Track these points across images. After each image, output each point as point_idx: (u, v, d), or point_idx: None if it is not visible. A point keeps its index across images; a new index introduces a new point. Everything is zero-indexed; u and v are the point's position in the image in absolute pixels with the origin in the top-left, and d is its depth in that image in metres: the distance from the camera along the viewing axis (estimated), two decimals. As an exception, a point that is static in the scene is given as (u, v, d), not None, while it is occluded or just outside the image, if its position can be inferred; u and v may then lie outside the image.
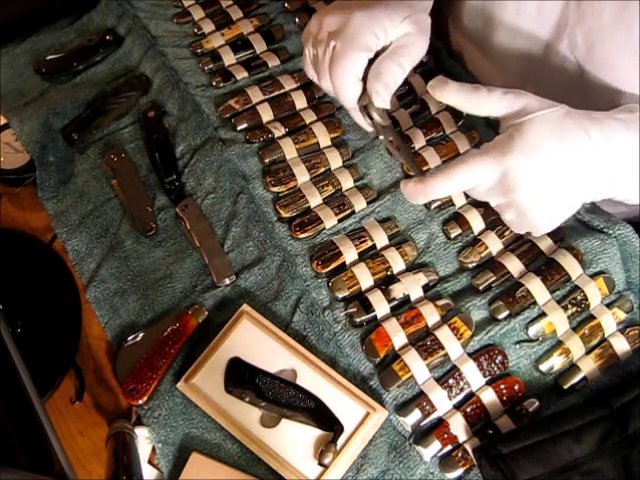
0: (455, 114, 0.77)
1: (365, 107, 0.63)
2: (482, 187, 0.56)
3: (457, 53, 0.86)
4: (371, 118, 0.63)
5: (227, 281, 0.69)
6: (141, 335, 0.67)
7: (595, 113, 0.57)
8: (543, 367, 0.64)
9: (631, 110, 0.58)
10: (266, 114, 0.77)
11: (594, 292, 0.66)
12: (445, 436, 0.61)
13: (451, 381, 0.62)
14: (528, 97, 0.57)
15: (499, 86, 0.71)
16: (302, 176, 0.73)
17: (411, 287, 0.67)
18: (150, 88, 0.82)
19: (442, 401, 0.62)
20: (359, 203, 0.72)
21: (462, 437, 0.61)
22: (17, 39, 0.85)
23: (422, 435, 0.62)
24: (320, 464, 0.60)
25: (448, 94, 0.58)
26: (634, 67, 0.61)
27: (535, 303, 0.66)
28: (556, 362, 0.64)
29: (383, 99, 0.62)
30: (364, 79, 0.62)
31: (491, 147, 0.56)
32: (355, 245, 0.69)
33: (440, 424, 0.62)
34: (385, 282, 0.68)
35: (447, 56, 0.84)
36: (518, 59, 0.75)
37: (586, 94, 0.68)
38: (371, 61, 0.63)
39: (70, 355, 0.67)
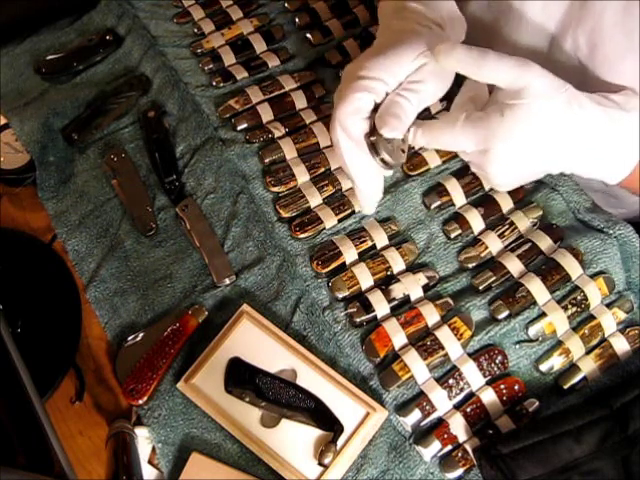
0: (455, 114, 0.77)
1: (373, 145, 0.59)
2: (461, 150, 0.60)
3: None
4: (379, 156, 0.59)
5: (227, 281, 0.69)
6: (141, 335, 0.67)
7: (587, 96, 0.58)
8: (543, 367, 0.64)
9: (620, 106, 0.59)
10: (266, 114, 0.77)
11: (594, 292, 0.66)
12: (445, 436, 0.61)
13: (451, 381, 0.62)
14: (535, 74, 0.56)
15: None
16: (302, 176, 0.73)
17: (411, 287, 0.67)
18: (150, 88, 0.82)
19: (442, 401, 0.62)
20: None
21: (462, 437, 0.61)
22: (17, 39, 0.85)
23: (422, 435, 0.62)
24: (320, 464, 0.60)
25: (454, 58, 0.56)
26: (635, 69, 0.61)
27: (535, 303, 0.66)
28: (556, 362, 0.64)
29: (391, 128, 0.58)
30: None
31: (480, 122, 0.56)
32: (355, 245, 0.69)
33: (440, 424, 0.62)
34: (385, 282, 0.68)
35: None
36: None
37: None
38: None
39: (70, 355, 0.67)
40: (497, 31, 0.75)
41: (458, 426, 0.61)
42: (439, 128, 0.59)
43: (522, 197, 0.72)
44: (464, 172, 0.73)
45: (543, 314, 0.65)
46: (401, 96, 0.59)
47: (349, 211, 0.72)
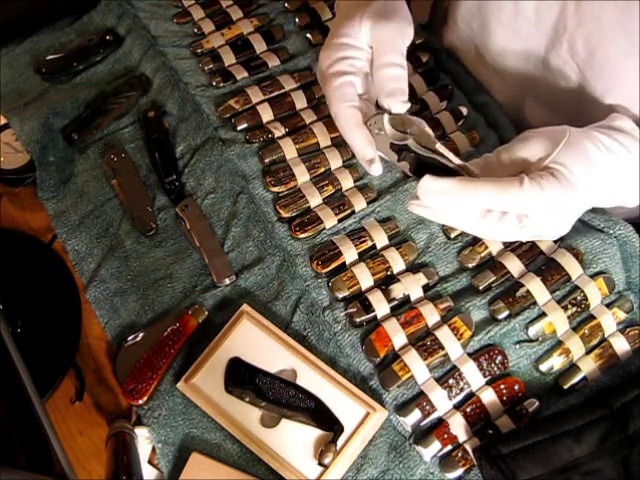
0: (455, 114, 0.77)
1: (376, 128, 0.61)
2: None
3: (454, 53, 0.86)
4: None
5: (227, 281, 0.69)
6: (141, 335, 0.66)
7: (591, 130, 0.60)
8: (543, 367, 0.64)
9: (629, 132, 0.61)
10: (266, 114, 0.77)
11: (594, 292, 0.66)
12: (445, 436, 0.61)
13: (451, 381, 0.62)
14: (536, 138, 0.58)
15: (499, 90, 0.72)
16: (302, 176, 0.73)
17: (411, 287, 0.67)
18: (150, 88, 0.81)
19: (442, 401, 0.62)
20: (359, 203, 0.72)
21: (462, 437, 0.61)
22: (17, 39, 0.85)
23: (422, 435, 0.62)
24: (320, 464, 0.60)
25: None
26: (635, 72, 0.61)
27: (535, 303, 0.66)
28: (556, 362, 0.64)
29: (398, 106, 0.60)
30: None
31: (544, 184, 0.54)
32: (355, 245, 0.69)
33: (440, 424, 0.62)
34: (385, 282, 0.68)
35: (447, 56, 0.84)
36: (516, 64, 0.75)
37: (586, 100, 0.68)
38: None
39: (70, 355, 0.67)
40: (487, 37, 0.75)
41: (458, 426, 0.61)
42: (502, 191, 0.54)
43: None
44: (464, 172, 0.73)
45: (543, 314, 0.65)
46: (379, 68, 0.61)
47: (349, 211, 0.72)
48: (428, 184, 0.55)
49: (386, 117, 0.60)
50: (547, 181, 0.54)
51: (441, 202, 0.55)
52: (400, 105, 0.61)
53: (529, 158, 0.57)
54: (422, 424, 0.62)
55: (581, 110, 0.68)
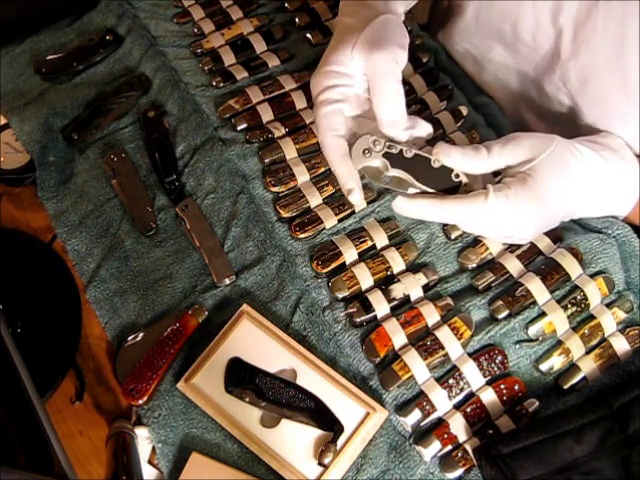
0: (455, 114, 0.77)
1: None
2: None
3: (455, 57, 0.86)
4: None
5: (227, 281, 0.69)
6: (141, 335, 0.67)
7: (578, 142, 0.63)
8: (543, 367, 0.64)
9: (610, 146, 0.64)
10: (266, 114, 0.77)
11: (594, 292, 0.66)
12: (445, 436, 0.61)
13: (451, 381, 0.62)
14: (526, 141, 0.60)
15: (498, 99, 0.73)
16: (302, 176, 0.73)
17: (411, 287, 0.67)
18: (150, 88, 0.82)
19: (442, 401, 0.62)
20: (359, 203, 0.72)
21: (462, 437, 0.61)
22: (17, 39, 0.85)
23: (422, 435, 0.62)
24: (320, 464, 0.60)
25: (453, 159, 0.59)
26: (627, 104, 0.62)
27: (535, 303, 0.66)
28: (556, 362, 0.64)
29: (400, 135, 0.61)
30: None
31: (510, 194, 0.58)
32: (355, 245, 0.69)
33: (440, 424, 0.62)
34: (385, 282, 0.68)
35: (447, 56, 0.84)
36: (514, 78, 0.76)
37: (578, 124, 0.69)
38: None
39: (70, 355, 0.67)
40: (489, 49, 0.76)
41: (458, 426, 0.61)
42: (471, 201, 0.59)
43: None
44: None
45: (543, 314, 0.65)
46: (380, 96, 0.60)
47: (349, 211, 0.72)
48: (402, 205, 0.59)
49: (369, 137, 0.60)
50: (514, 190, 0.58)
51: (414, 217, 0.61)
52: (402, 134, 0.61)
53: (514, 159, 0.60)
54: (422, 424, 0.62)
55: (577, 129, 0.69)
